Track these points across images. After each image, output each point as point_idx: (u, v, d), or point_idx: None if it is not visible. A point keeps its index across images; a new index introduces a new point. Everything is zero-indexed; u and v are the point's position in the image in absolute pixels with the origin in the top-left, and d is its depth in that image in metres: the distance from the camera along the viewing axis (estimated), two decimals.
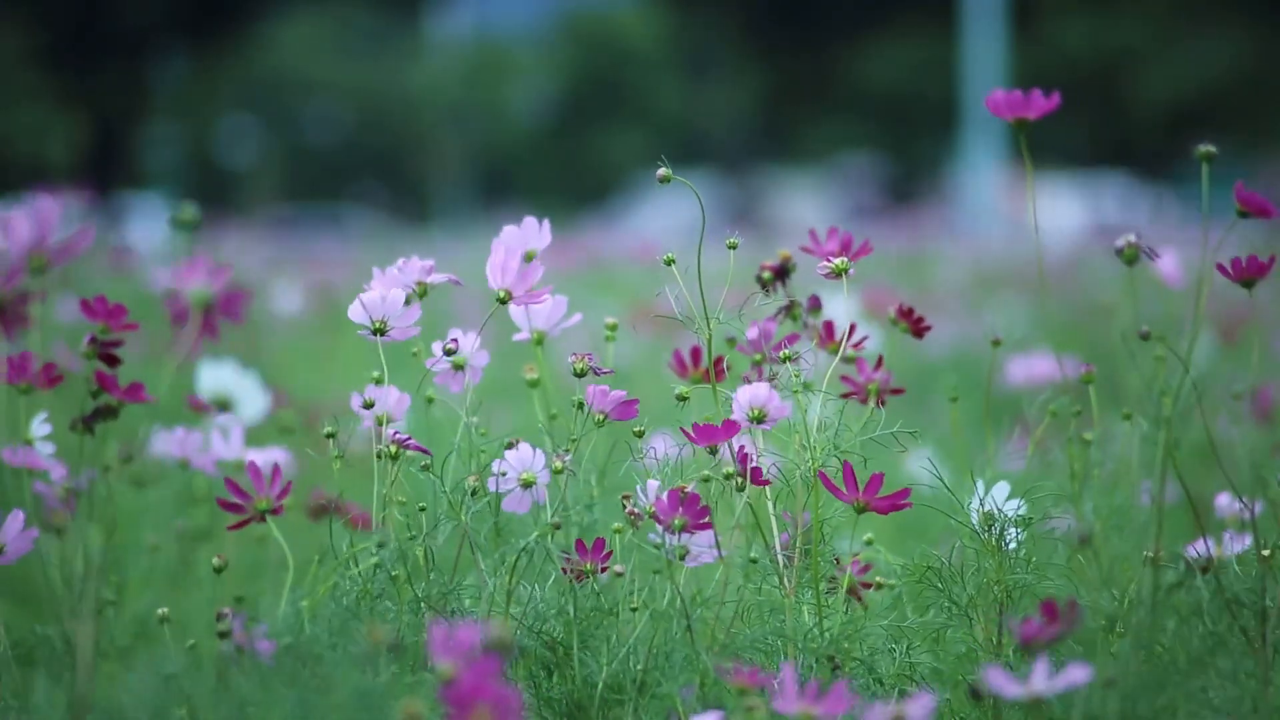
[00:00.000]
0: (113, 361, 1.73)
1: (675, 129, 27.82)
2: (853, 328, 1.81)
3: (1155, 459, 1.66)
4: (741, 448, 1.69)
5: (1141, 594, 1.63)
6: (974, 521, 1.71)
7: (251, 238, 10.99)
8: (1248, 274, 1.71)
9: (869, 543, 1.86)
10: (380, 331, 1.71)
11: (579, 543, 1.67)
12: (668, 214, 17.19)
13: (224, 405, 2.52)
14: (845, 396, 1.84)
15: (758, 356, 1.81)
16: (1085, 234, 11.67)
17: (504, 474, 1.67)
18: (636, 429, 1.70)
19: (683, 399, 1.71)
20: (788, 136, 28.43)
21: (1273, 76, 25.52)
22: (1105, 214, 15.97)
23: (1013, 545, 1.70)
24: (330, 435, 1.69)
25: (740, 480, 1.66)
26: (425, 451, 1.68)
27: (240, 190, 25.32)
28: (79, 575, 1.68)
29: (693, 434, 1.67)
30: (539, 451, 1.69)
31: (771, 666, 1.64)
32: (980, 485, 1.71)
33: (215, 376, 2.55)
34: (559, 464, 1.68)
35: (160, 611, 1.69)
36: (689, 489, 1.63)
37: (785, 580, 1.68)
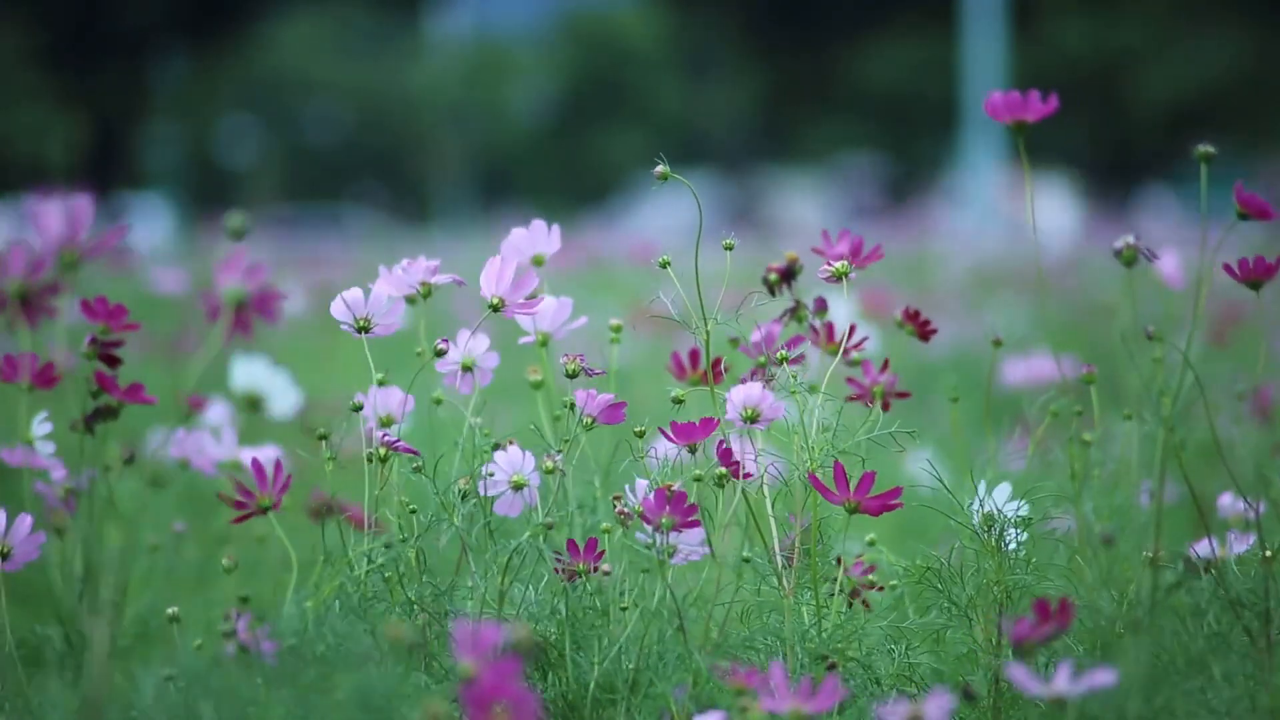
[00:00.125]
0: (113, 362, 1.73)
1: (675, 129, 27.82)
2: (852, 329, 1.81)
3: (1155, 459, 1.66)
4: (723, 444, 1.68)
5: (1141, 594, 1.63)
6: (975, 522, 1.71)
7: (251, 238, 10.96)
8: (1255, 275, 1.70)
9: (871, 543, 1.86)
10: (364, 329, 1.71)
11: (571, 543, 1.67)
12: (667, 214, 17.18)
13: (255, 402, 2.52)
14: (851, 399, 1.84)
15: (762, 359, 1.80)
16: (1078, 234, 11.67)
17: (492, 475, 1.68)
18: (637, 429, 1.70)
19: (678, 401, 1.71)
20: (788, 136, 28.43)
21: (1273, 76, 25.51)
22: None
23: (1013, 546, 1.70)
24: (323, 437, 1.68)
25: (727, 479, 1.66)
26: (414, 453, 1.68)
27: (240, 190, 25.33)
28: (79, 575, 1.68)
29: (671, 433, 1.67)
30: (528, 454, 1.69)
31: (767, 666, 1.64)
32: (982, 486, 1.71)
33: (248, 372, 2.54)
34: (550, 464, 1.68)
35: (170, 611, 1.69)
36: (675, 488, 1.63)
37: (783, 581, 1.68)
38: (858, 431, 1.70)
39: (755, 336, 1.84)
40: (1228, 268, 1.70)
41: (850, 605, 1.75)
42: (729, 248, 1.70)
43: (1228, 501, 1.94)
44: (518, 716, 1.29)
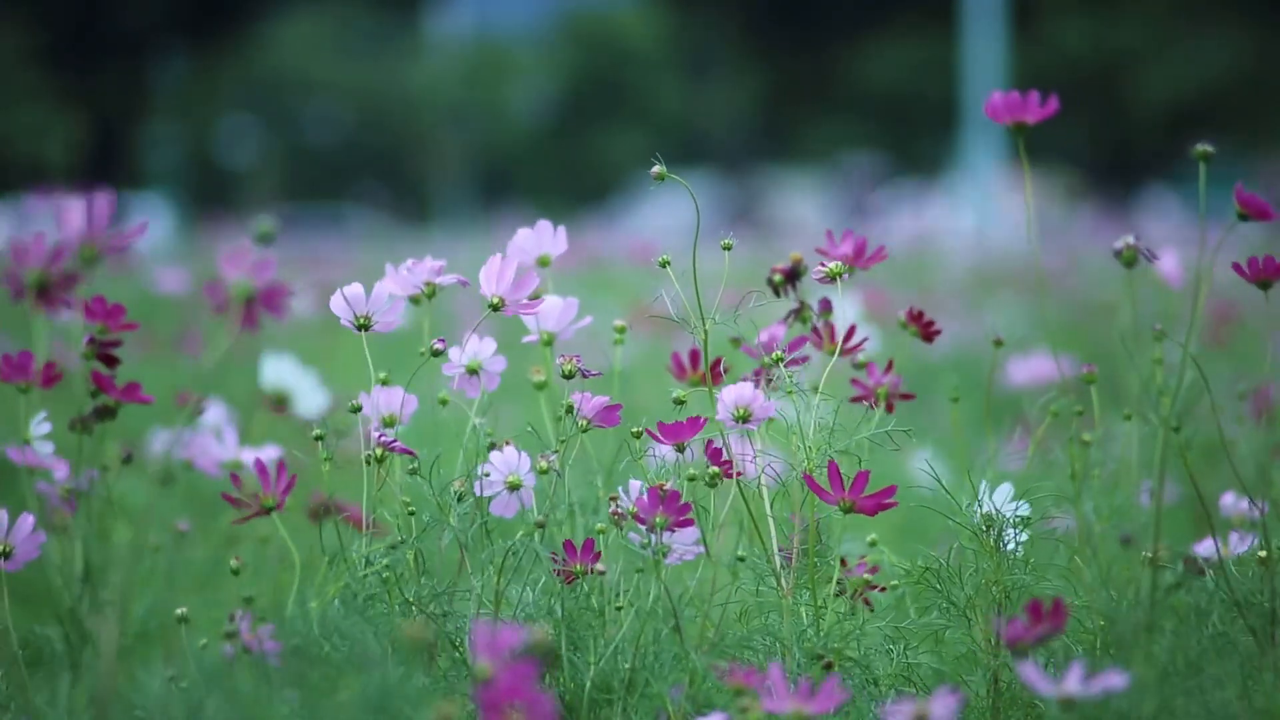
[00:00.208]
0: (111, 362, 1.73)
1: (675, 129, 27.81)
2: (852, 329, 1.81)
3: (1155, 459, 1.66)
4: (712, 443, 1.69)
5: (1140, 594, 1.63)
6: (974, 522, 1.71)
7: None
8: (1264, 274, 1.70)
9: (873, 544, 1.86)
10: (364, 326, 1.71)
11: (568, 544, 1.67)
12: (667, 214, 17.18)
13: (282, 400, 2.52)
14: (855, 400, 1.83)
15: (765, 359, 1.80)
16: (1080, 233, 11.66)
17: (488, 476, 1.68)
18: (634, 430, 1.70)
19: (680, 403, 1.71)
20: (788, 136, 28.42)
21: (1273, 76, 25.51)
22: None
23: (1013, 546, 1.70)
24: (319, 438, 1.68)
25: (718, 479, 1.66)
26: (411, 454, 1.68)
27: (240, 190, 25.33)
28: (79, 575, 1.68)
29: (660, 434, 1.67)
30: (523, 454, 1.69)
31: (764, 666, 1.64)
32: (985, 487, 1.71)
33: (277, 371, 2.54)
34: (544, 464, 1.68)
35: (179, 612, 1.69)
36: (668, 487, 1.63)
37: (781, 581, 1.68)
38: (857, 431, 1.70)
39: (761, 338, 1.84)
40: (1237, 267, 1.69)
41: (854, 607, 1.75)
42: (727, 248, 1.70)
43: (1230, 501, 1.94)
44: (533, 719, 1.29)
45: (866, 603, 1.77)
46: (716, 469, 1.66)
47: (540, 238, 1.81)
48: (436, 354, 1.72)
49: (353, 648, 1.51)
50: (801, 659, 1.64)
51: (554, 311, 1.82)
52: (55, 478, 1.79)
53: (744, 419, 1.68)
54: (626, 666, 1.64)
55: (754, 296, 1.75)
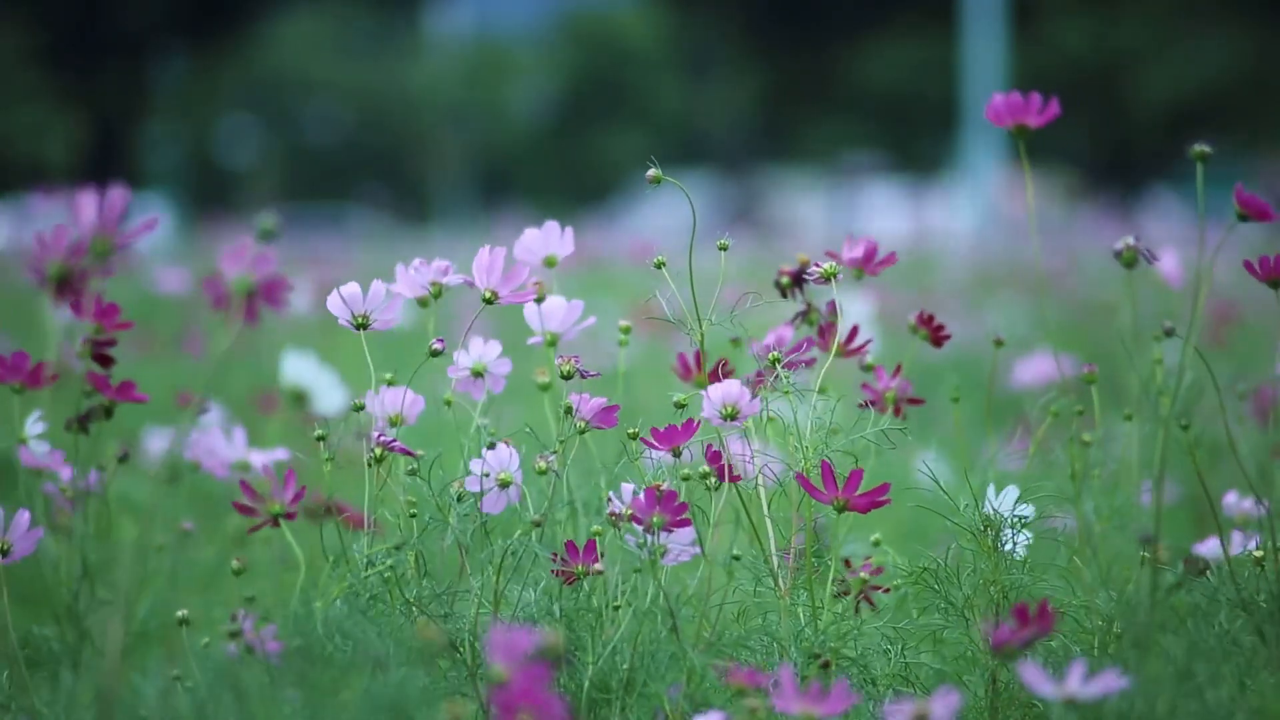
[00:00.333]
0: (106, 361, 1.73)
1: (675, 129, 27.82)
2: (854, 330, 1.81)
3: (1155, 459, 1.66)
4: (710, 446, 1.69)
5: (1140, 594, 1.62)
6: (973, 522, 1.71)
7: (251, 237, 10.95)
8: (1275, 273, 1.70)
9: (876, 544, 1.86)
10: (362, 325, 1.71)
11: (570, 544, 1.67)
12: (668, 214, 17.18)
13: (301, 398, 2.52)
14: (864, 405, 1.83)
15: (766, 360, 1.80)
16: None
17: (486, 475, 1.68)
18: (630, 432, 1.70)
19: (681, 406, 1.71)
20: (788, 136, 28.42)
21: (1273, 76, 25.51)
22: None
23: (1014, 547, 1.70)
24: (320, 438, 1.69)
25: (714, 479, 1.67)
26: (411, 454, 1.68)
27: (240, 190, 25.33)
28: (78, 575, 1.68)
29: (653, 440, 1.67)
30: (514, 452, 1.69)
31: (761, 665, 1.64)
32: (991, 488, 1.71)
33: (297, 368, 2.54)
34: (543, 465, 1.68)
35: (181, 614, 1.69)
36: (664, 487, 1.63)
37: (779, 581, 1.68)
38: (855, 432, 1.70)
39: (769, 339, 1.84)
40: (1249, 265, 1.69)
41: (857, 608, 1.75)
42: (723, 248, 1.70)
43: (1232, 500, 1.94)
44: None
45: (869, 602, 1.77)
46: (709, 469, 1.67)
47: (548, 238, 1.81)
48: (435, 354, 1.73)
49: (355, 648, 1.51)
50: (799, 658, 1.64)
51: (559, 313, 1.82)
52: (61, 478, 1.79)
53: (731, 416, 1.69)
54: (625, 666, 1.64)
55: (751, 297, 1.75)
